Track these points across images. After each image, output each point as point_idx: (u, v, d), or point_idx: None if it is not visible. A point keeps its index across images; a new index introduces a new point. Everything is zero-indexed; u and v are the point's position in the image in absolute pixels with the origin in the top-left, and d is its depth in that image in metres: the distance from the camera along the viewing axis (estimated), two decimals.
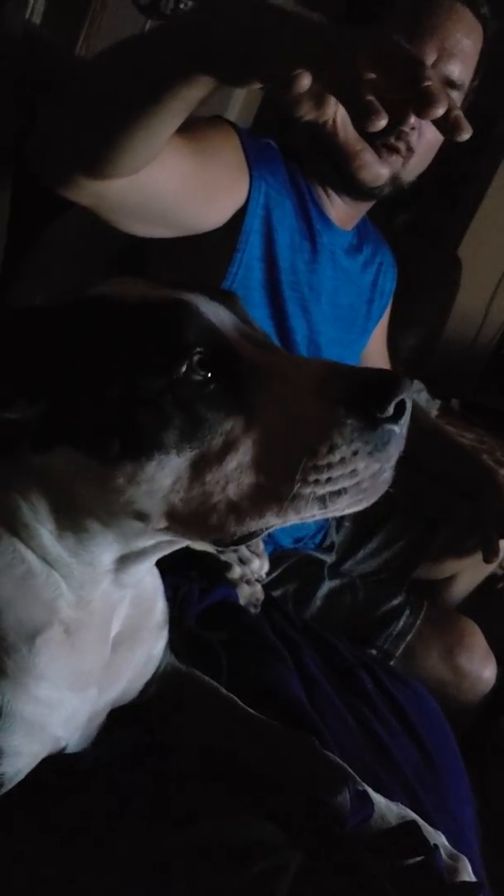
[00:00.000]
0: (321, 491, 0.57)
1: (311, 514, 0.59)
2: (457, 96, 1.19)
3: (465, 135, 0.57)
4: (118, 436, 0.56)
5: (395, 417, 0.57)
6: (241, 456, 0.57)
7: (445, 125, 0.57)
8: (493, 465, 1.54)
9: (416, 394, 2.39)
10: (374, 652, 1.35)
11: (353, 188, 1.23)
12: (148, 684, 0.80)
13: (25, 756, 0.65)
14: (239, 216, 1.13)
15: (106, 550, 0.63)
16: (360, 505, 0.61)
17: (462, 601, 1.61)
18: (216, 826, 0.67)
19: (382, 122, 0.55)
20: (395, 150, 1.17)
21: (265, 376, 0.58)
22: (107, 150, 0.79)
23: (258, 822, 0.68)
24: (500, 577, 1.66)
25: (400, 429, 0.58)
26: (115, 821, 0.66)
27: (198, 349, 0.56)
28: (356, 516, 1.58)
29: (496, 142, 2.92)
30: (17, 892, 0.61)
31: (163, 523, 0.59)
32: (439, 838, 0.75)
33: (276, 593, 1.35)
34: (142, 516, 0.59)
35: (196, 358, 0.56)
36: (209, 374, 0.57)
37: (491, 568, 1.55)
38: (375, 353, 1.52)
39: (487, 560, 1.41)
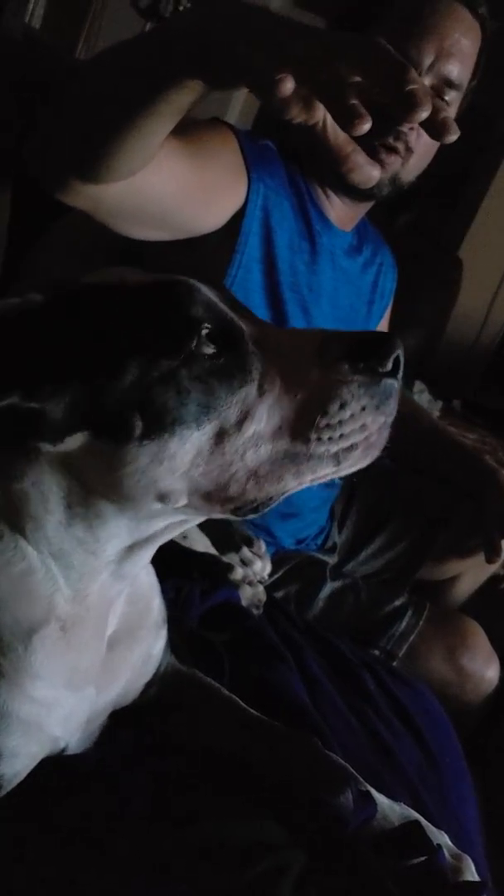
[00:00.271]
0: (335, 448, 0.61)
1: (326, 474, 0.62)
2: (455, 96, 1.19)
3: (452, 137, 0.58)
4: (140, 416, 0.57)
5: (394, 372, 0.62)
6: (257, 423, 0.60)
7: (433, 127, 0.57)
8: (495, 466, 1.53)
9: (417, 395, 2.39)
10: (376, 653, 1.35)
11: (350, 189, 1.23)
12: (149, 685, 0.79)
13: (24, 757, 0.64)
14: (237, 218, 1.13)
15: (115, 537, 0.63)
16: (367, 459, 0.64)
17: (465, 602, 1.61)
18: (217, 826, 0.67)
19: (366, 126, 0.56)
20: (394, 151, 1.17)
21: (267, 346, 0.61)
22: (101, 153, 0.79)
23: (260, 822, 0.68)
24: (502, 578, 1.65)
25: (398, 383, 0.62)
26: (116, 821, 0.66)
27: (205, 324, 0.58)
28: (358, 517, 1.58)
29: (496, 141, 2.92)
30: (17, 893, 0.61)
31: (183, 500, 0.60)
32: (442, 838, 0.75)
33: (279, 594, 1.35)
34: (163, 496, 0.60)
35: (204, 332, 0.58)
36: (216, 348, 0.59)
37: (493, 568, 1.55)
38: None
39: (490, 560, 1.40)
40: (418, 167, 1.23)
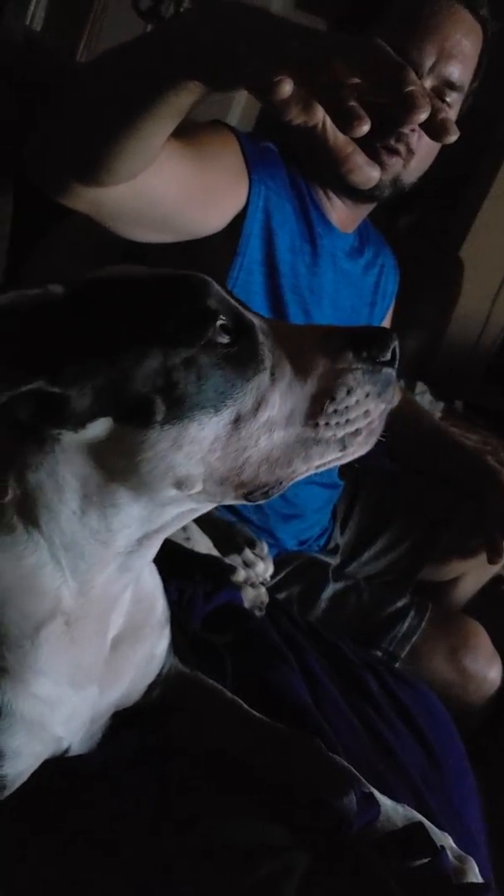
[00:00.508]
0: (341, 433, 0.64)
1: (332, 459, 0.66)
2: (456, 97, 1.19)
3: (452, 137, 0.58)
4: (163, 401, 0.59)
5: (392, 362, 0.67)
6: (271, 409, 0.63)
7: (432, 128, 0.57)
8: (496, 467, 1.54)
9: (419, 396, 2.39)
10: (379, 654, 1.35)
11: (351, 191, 1.23)
12: (152, 686, 0.79)
13: (27, 757, 0.64)
14: (239, 220, 1.13)
15: (127, 527, 0.64)
16: (368, 445, 0.67)
17: (467, 602, 1.61)
18: (220, 827, 0.67)
19: (364, 128, 0.56)
20: (395, 152, 1.17)
21: (275, 337, 0.65)
22: (101, 155, 0.80)
23: (263, 824, 0.68)
24: None
25: (395, 372, 0.67)
26: (119, 822, 0.66)
27: (220, 315, 0.61)
28: (361, 518, 1.58)
29: (497, 142, 2.92)
30: (20, 894, 0.61)
31: (199, 486, 0.62)
32: (446, 840, 0.75)
33: (281, 596, 1.35)
34: (180, 482, 0.61)
35: (219, 323, 0.61)
36: (230, 338, 0.62)
37: (496, 569, 1.55)
38: None
39: (492, 561, 1.41)
40: (420, 169, 1.23)
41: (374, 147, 1.14)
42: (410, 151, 1.18)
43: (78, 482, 0.61)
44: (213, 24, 0.66)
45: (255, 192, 1.13)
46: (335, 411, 0.64)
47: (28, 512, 0.62)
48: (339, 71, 0.57)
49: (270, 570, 1.21)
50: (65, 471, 0.61)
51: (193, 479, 0.62)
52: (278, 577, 1.36)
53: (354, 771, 0.75)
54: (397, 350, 0.67)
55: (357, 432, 0.65)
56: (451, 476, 1.56)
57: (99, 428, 0.60)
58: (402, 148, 1.17)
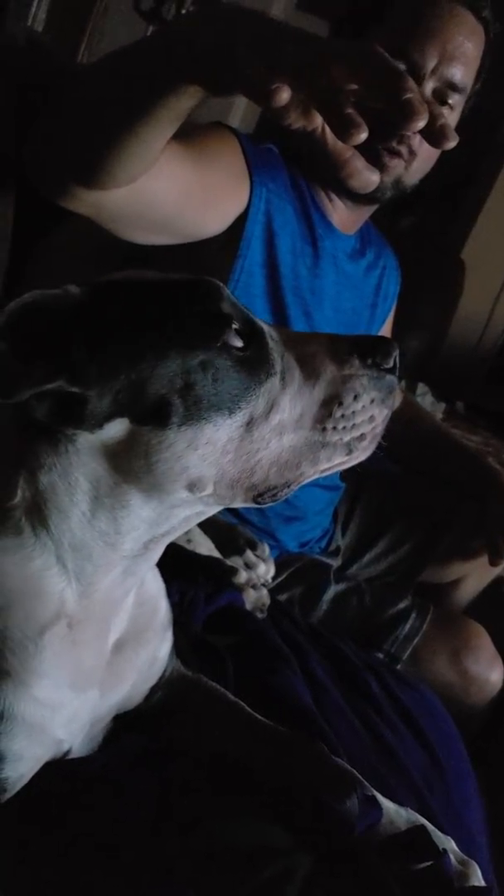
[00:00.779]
0: (347, 437, 0.67)
1: (338, 462, 0.68)
2: (459, 99, 1.19)
3: (451, 143, 0.58)
4: (181, 402, 0.60)
5: (394, 369, 0.69)
6: (282, 412, 0.65)
7: (431, 134, 0.57)
8: (497, 468, 1.54)
9: (420, 397, 2.39)
10: (380, 655, 1.35)
11: (352, 193, 1.23)
12: (154, 689, 0.79)
13: (28, 760, 0.64)
14: (240, 222, 1.13)
15: (135, 529, 0.64)
16: (370, 450, 0.69)
17: (468, 604, 1.60)
18: (222, 829, 0.67)
19: (362, 136, 0.56)
20: (397, 154, 1.17)
21: (283, 343, 0.67)
22: (101, 158, 0.80)
23: (265, 826, 0.68)
24: None
25: (397, 380, 0.70)
26: (121, 825, 0.66)
27: (233, 320, 0.63)
28: (362, 520, 1.58)
29: (499, 144, 2.92)
30: (21, 895, 0.61)
31: (209, 489, 0.63)
32: (449, 843, 0.75)
33: (283, 597, 1.35)
34: (192, 484, 0.62)
35: (231, 325, 0.62)
36: (242, 343, 0.63)
37: (497, 571, 1.55)
38: None
39: (493, 563, 1.41)
40: (422, 170, 1.23)
41: (375, 149, 1.14)
42: (412, 153, 1.18)
43: (90, 483, 0.62)
44: (213, 29, 0.66)
45: (257, 194, 1.13)
46: (342, 416, 0.66)
47: (37, 514, 0.62)
48: (337, 77, 0.57)
49: (272, 571, 1.21)
50: (77, 472, 0.61)
51: (205, 480, 0.63)
52: (280, 579, 1.36)
53: (356, 773, 0.75)
54: (398, 358, 0.69)
55: (362, 437, 0.67)
56: (452, 478, 1.56)
57: (115, 428, 0.60)
58: (403, 150, 1.17)
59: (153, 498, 0.63)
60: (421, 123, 0.56)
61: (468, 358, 2.92)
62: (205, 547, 1.14)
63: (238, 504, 0.67)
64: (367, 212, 1.33)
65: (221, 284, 0.65)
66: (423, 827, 0.74)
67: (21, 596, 0.62)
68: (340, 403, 0.66)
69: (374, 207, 1.32)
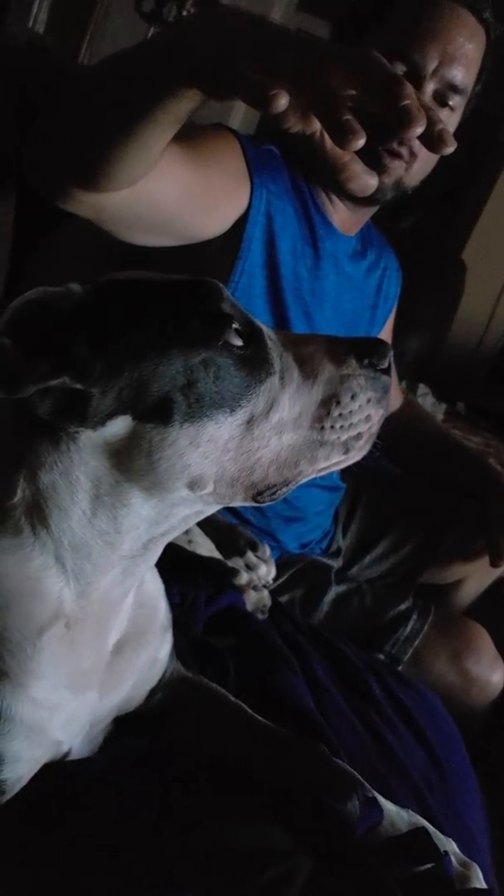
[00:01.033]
0: (344, 436, 0.68)
1: (336, 462, 0.69)
2: (460, 100, 1.19)
3: (449, 149, 0.59)
4: (183, 399, 0.61)
5: (388, 370, 0.70)
6: (281, 411, 0.66)
7: (429, 140, 0.58)
8: (498, 469, 1.54)
9: (421, 397, 2.39)
10: (381, 657, 1.35)
11: (352, 194, 1.23)
12: (154, 691, 0.79)
13: (26, 761, 0.64)
14: (240, 224, 1.13)
15: (135, 528, 0.64)
16: (366, 449, 0.71)
17: (470, 605, 1.60)
18: (222, 830, 0.66)
19: (359, 143, 0.56)
20: (398, 156, 1.17)
21: (282, 343, 0.68)
22: (100, 160, 0.80)
23: (265, 828, 0.68)
24: None
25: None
26: (121, 826, 0.66)
27: (233, 319, 0.64)
28: (363, 521, 1.58)
29: (499, 145, 2.92)
30: (20, 895, 0.61)
31: (210, 487, 0.64)
32: (450, 845, 0.75)
33: (284, 599, 1.35)
34: (193, 482, 0.63)
35: (232, 325, 0.63)
36: (242, 342, 0.64)
37: (498, 572, 1.55)
38: None
39: (494, 564, 1.41)
40: (422, 172, 1.23)
41: (376, 150, 1.15)
42: (413, 155, 1.18)
43: (91, 482, 0.62)
44: (213, 33, 0.66)
45: (257, 195, 1.13)
46: (340, 415, 0.67)
47: (37, 513, 0.62)
48: (335, 82, 0.57)
49: (272, 572, 1.21)
50: (79, 470, 0.61)
51: (206, 478, 0.63)
52: (280, 580, 1.36)
53: (357, 775, 0.75)
54: (392, 360, 0.71)
55: (359, 436, 0.68)
56: (452, 479, 1.56)
57: (118, 426, 0.61)
58: (404, 151, 1.17)
59: (154, 496, 0.63)
60: (418, 130, 0.56)
61: (469, 358, 2.92)
62: (205, 548, 1.14)
63: (237, 503, 0.67)
64: (367, 213, 1.33)
65: (221, 285, 0.66)
66: (424, 829, 0.74)
67: (19, 596, 0.62)
68: (338, 403, 0.67)
69: (374, 209, 1.32)
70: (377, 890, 0.64)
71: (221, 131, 1.14)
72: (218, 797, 0.70)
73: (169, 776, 0.72)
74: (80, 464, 0.61)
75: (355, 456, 0.70)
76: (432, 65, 1.13)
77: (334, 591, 1.42)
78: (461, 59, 1.14)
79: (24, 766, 0.64)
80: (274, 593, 1.23)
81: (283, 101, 0.58)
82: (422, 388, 2.45)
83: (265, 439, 0.65)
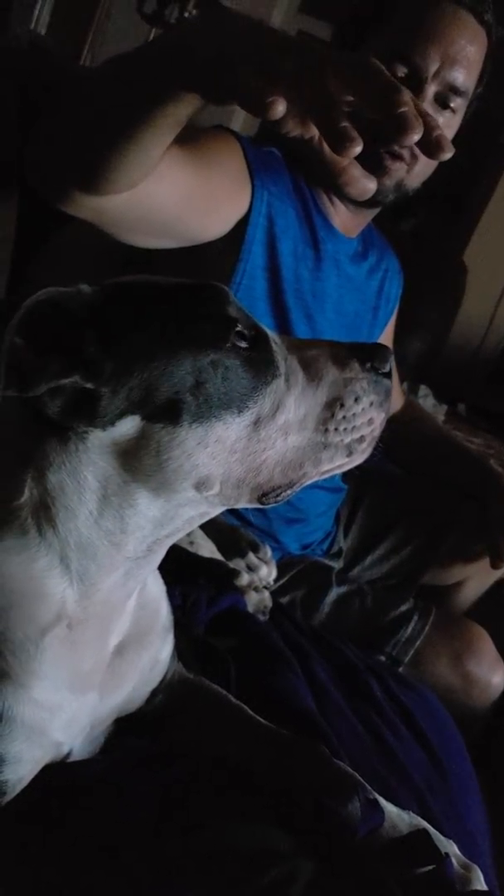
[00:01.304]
0: (348, 438, 0.69)
1: (339, 464, 0.70)
2: (461, 103, 1.19)
3: (447, 155, 0.59)
4: (193, 399, 0.61)
5: (389, 374, 0.72)
6: (287, 413, 0.67)
7: (427, 146, 0.58)
8: (499, 470, 1.54)
9: (422, 399, 2.39)
10: (382, 658, 1.35)
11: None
12: (155, 692, 0.79)
13: (27, 762, 0.64)
14: (242, 226, 1.13)
15: (141, 529, 0.64)
16: (368, 452, 0.72)
17: (470, 607, 1.60)
18: (223, 831, 0.66)
19: (356, 150, 0.57)
20: (399, 158, 1.17)
21: (287, 347, 0.69)
22: (100, 164, 0.80)
23: (266, 828, 0.68)
24: None
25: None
26: (122, 826, 0.66)
27: (239, 322, 0.65)
28: (364, 522, 1.58)
29: (501, 147, 2.92)
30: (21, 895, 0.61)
31: (216, 488, 0.65)
32: (451, 847, 0.75)
33: (285, 600, 1.35)
34: (200, 482, 0.64)
35: (237, 328, 0.64)
36: (248, 344, 0.65)
37: (499, 573, 1.55)
38: None
39: (495, 566, 1.41)
40: (423, 174, 1.23)
41: (377, 152, 1.15)
42: (414, 157, 1.18)
43: (98, 482, 0.62)
44: (213, 38, 0.66)
45: (258, 197, 1.13)
46: (344, 417, 0.68)
47: (44, 512, 0.62)
48: (333, 89, 0.57)
49: (274, 573, 1.21)
50: (87, 470, 0.62)
51: (213, 479, 0.64)
52: (282, 581, 1.36)
53: (358, 776, 0.75)
54: (392, 362, 0.72)
55: (361, 439, 0.70)
56: (453, 480, 1.56)
57: (127, 426, 0.61)
58: (405, 153, 1.17)
59: (160, 497, 0.64)
60: (415, 137, 0.56)
61: (470, 360, 2.92)
62: (207, 549, 1.14)
63: (243, 504, 0.68)
64: (369, 215, 1.33)
65: (228, 289, 0.67)
66: (425, 830, 0.74)
67: (23, 597, 0.62)
68: (342, 405, 0.68)
69: (376, 210, 1.32)
70: (378, 892, 0.64)
71: (223, 133, 1.14)
72: (219, 798, 0.70)
73: (170, 777, 0.72)
74: (89, 463, 0.61)
75: (358, 458, 0.71)
76: (434, 67, 1.13)
77: (335, 592, 1.42)
78: (462, 62, 1.14)
79: (25, 767, 0.64)
80: (275, 594, 1.23)
81: (280, 108, 0.58)
82: (423, 390, 2.45)
83: (271, 440, 0.66)
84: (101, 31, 3.12)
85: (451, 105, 1.18)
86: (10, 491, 0.62)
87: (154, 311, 0.63)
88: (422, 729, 1.05)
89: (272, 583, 1.21)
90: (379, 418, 0.71)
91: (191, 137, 0.96)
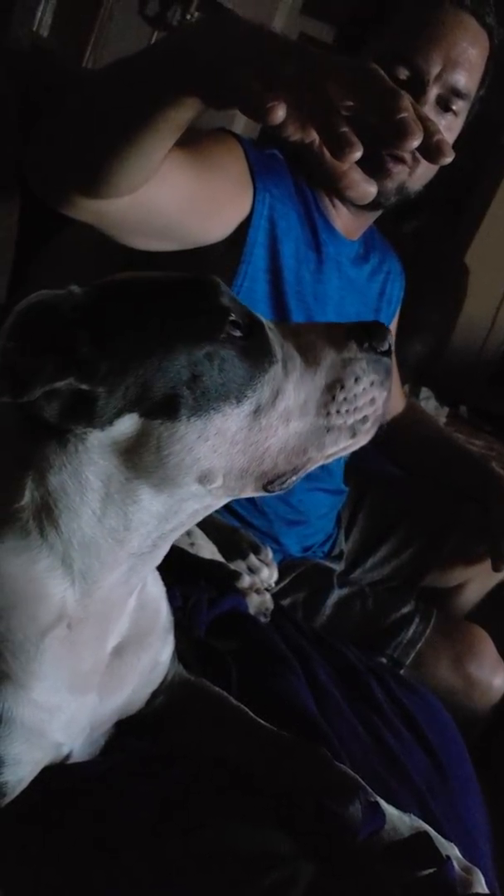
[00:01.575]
0: (350, 420, 0.69)
1: (344, 447, 0.70)
2: (463, 105, 1.19)
3: (447, 160, 0.59)
4: (190, 393, 0.61)
5: (388, 352, 0.71)
6: (287, 399, 0.66)
7: (427, 151, 0.58)
8: (501, 473, 1.54)
9: (424, 401, 2.39)
10: (383, 660, 1.35)
11: None
12: (155, 694, 0.79)
13: (27, 764, 0.64)
14: (243, 228, 1.13)
15: (146, 524, 0.64)
16: (372, 432, 0.71)
17: (472, 609, 1.60)
18: (224, 833, 0.66)
19: (356, 155, 0.57)
20: (401, 160, 1.17)
21: (281, 333, 0.69)
22: (101, 168, 0.80)
23: (267, 830, 0.68)
24: None
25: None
26: (122, 827, 0.66)
27: (232, 312, 0.64)
28: (365, 524, 1.58)
29: (502, 149, 2.92)
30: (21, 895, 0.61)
31: (219, 481, 0.65)
32: (452, 850, 0.74)
33: (286, 602, 1.35)
34: (203, 476, 0.63)
35: (231, 318, 0.64)
36: (242, 334, 0.65)
37: (501, 576, 1.54)
38: None
39: (496, 568, 1.40)
40: (425, 176, 1.23)
41: (379, 154, 1.15)
42: (416, 159, 1.18)
43: (100, 481, 0.62)
44: (214, 42, 0.66)
45: (260, 200, 1.13)
46: (345, 399, 0.68)
47: (47, 514, 0.62)
48: (333, 94, 0.57)
49: (275, 575, 1.21)
50: (88, 470, 0.62)
51: (216, 472, 0.64)
52: (283, 583, 1.36)
53: (359, 779, 0.75)
54: (392, 346, 0.72)
55: (365, 419, 0.69)
56: (455, 482, 1.56)
57: (125, 424, 0.61)
58: (407, 156, 1.17)
59: (163, 492, 0.64)
60: (415, 142, 0.56)
61: (472, 362, 2.92)
62: (208, 550, 1.14)
63: (248, 494, 0.68)
64: (370, 217, 1.33)
65: (220, 280, 0.66)
66: (425, 833, 0.74)
67: (24, 598, 0.62)
68: (343, 387, 0.68)
69: (377, 213, 1.32)
70: (379, 894, 0.64)
71: (224, 136, 1.14)
72: (219, 800, 0.70)
73: (170, 778, 0.72)
74: (90, 464, 0.61)
75: (362, 440, 0.71)
76: (435, 69, 1.13)
77: (336, 594, 1.42)
78: (464, 64, 1.14)
79: (25, 768, 0.64)
80: (276, 596, 1.23)
81: (280, 113, 0.58)
82: (424, 392, 2.45)
83: (273, 428, 0.66)
84: (103, 33, 3.12)
85: (453, 107, 1.18)
86: (11, 494, 0.62)
87: (146, 307, 0.63)
88: (423, 731, 1.05)
89: (273, 585, 1.21)
90: (381, 397, 0.70)
91: (192, 140, 0.97)
